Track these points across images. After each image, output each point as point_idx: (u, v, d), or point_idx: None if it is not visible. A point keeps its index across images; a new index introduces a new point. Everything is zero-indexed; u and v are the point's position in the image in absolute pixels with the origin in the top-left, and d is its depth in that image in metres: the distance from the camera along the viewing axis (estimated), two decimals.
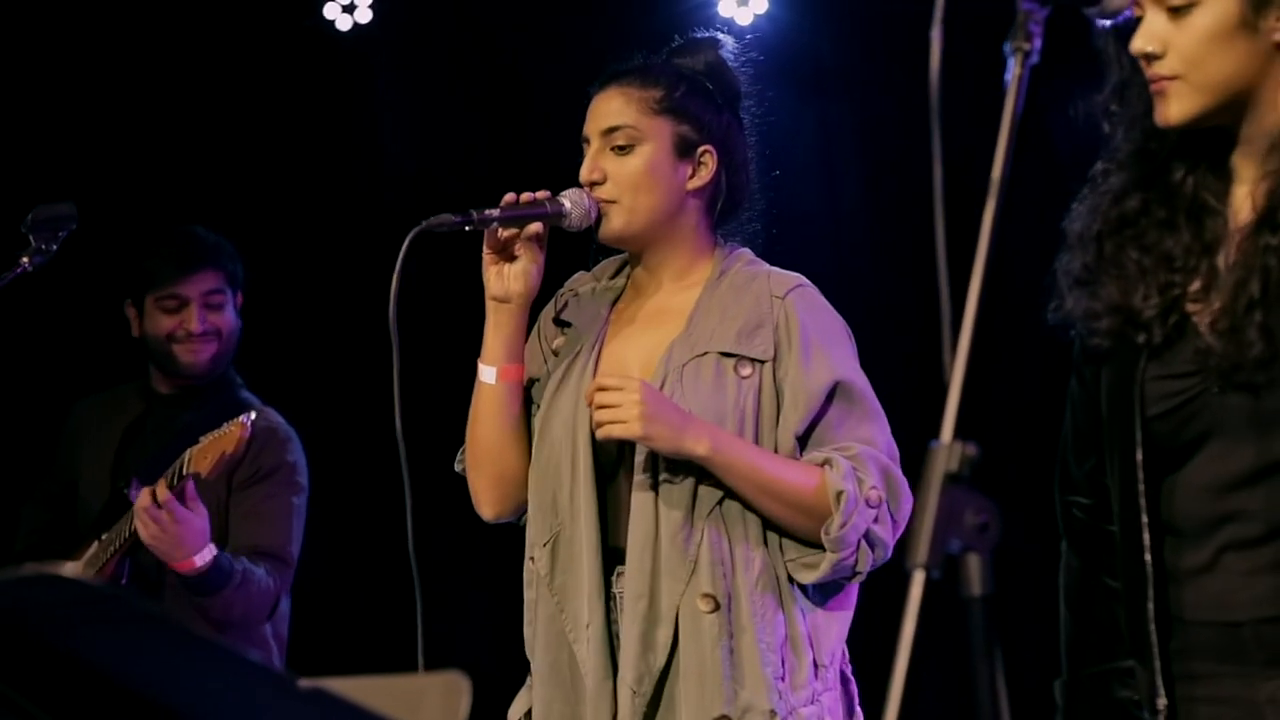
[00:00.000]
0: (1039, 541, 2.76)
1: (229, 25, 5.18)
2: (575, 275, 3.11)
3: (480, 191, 3.09)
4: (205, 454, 3.61)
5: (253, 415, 3.64)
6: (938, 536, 1.61)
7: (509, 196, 2.91)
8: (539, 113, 4.86)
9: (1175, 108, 2.19)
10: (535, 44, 5.15)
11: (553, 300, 3.08)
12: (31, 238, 3.21)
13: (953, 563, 1.63)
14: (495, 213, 2.89)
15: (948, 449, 1.63)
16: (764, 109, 3.10)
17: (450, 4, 5.30)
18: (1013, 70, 1.76)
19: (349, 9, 5.20)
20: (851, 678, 2.92)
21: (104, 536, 3.84)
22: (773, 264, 3.01)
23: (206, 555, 3.68)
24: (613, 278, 3.07)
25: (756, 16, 5.16)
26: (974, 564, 1.64)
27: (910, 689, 1.56)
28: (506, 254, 2.93)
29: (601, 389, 2.79)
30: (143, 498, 3.62)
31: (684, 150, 2.94)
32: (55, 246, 3.21)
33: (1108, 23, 2.22)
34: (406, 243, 2.81)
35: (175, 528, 3.62)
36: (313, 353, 5.05)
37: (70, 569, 3.94)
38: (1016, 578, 3.43)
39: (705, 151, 2.95)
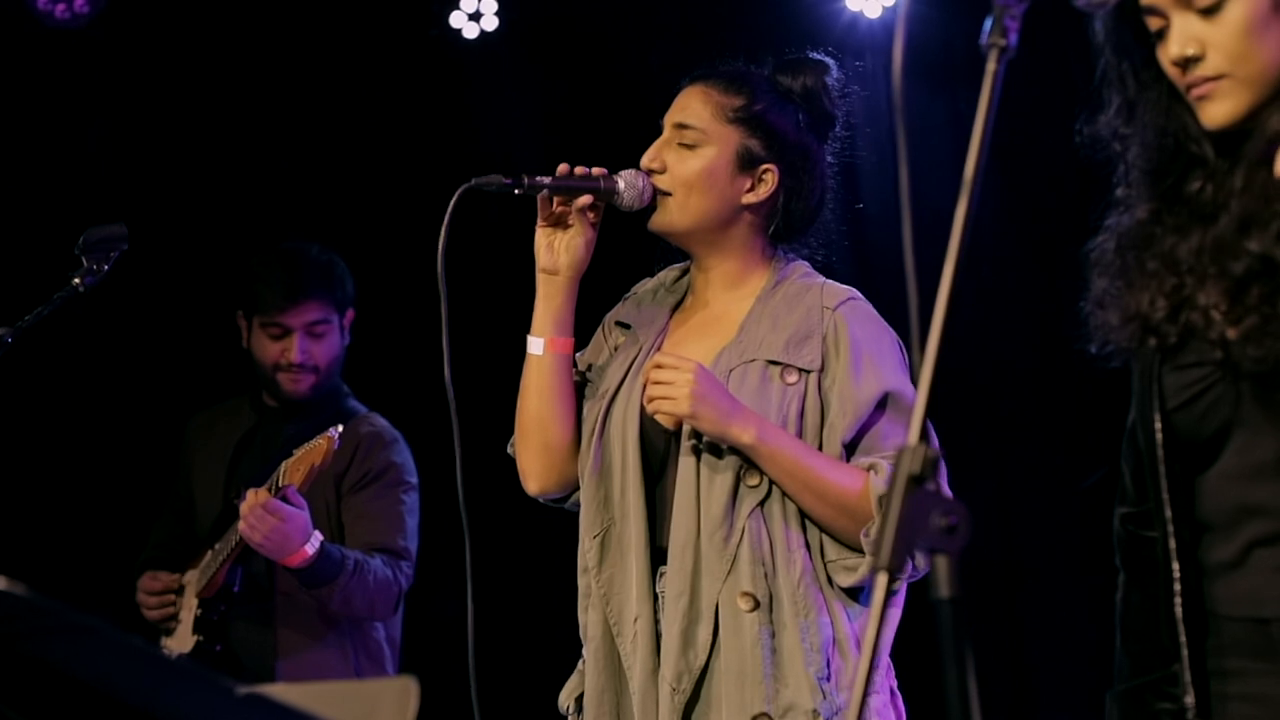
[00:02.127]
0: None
1: (357, 34, 5.26)
2: (641, 280, 3.13)
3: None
4: (297, 466, 3.69)
5: (339, 428, 3.70)
6: (901, 538, 1.61)
7: (563, 167, 2.95)
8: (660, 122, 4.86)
9: (1224, 108, 2.14)
10: (663, 49, 5.16)
11: (621, 301, 3.11)
12: (84, 259, 3.29)
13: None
14: (546, 180, 2.93)
15: (912, 451, 1.63)
16: (852, 143, 3.09)
17: (579, 9, 5.33)
18: (988, 66, 1.74)
19: (475, 17, 5.25)
20: (898, 693, 2.89)
21: (216, 546, 3.95)
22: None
23: (314, 543, 3.77)
24: (675, 283, 3.09)
25: (885, 9, 5.13)
26: (942, 566, 1.63)
27: (914, 691, 1.56)
28: (560, 226, 2.97)
29: (658, 366, 2.83)
30: (247, 503, 3.72)
31: (746, 163, 2.95)
32: (107, 267, 3.29)
33: (1095, 10, 2.17)
34: (455, 197, 2.87)
35: (283, 526, 3.71)
36: (430, 362, 5.12)
37: (189, 576, 4.06)
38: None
39: (767, 170, 2.96)
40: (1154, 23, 2.16)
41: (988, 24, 1.74)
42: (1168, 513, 2.17)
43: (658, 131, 3.01)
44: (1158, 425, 2.17)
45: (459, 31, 5.25)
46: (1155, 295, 2.16)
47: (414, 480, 4.11)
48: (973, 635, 1.62)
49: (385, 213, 5.19)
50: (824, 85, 3.03)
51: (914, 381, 1.60)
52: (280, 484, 3.71)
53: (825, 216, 3.04)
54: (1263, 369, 2.08)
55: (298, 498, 3.75)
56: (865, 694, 1.65)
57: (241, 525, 3.74)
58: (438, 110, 5.30)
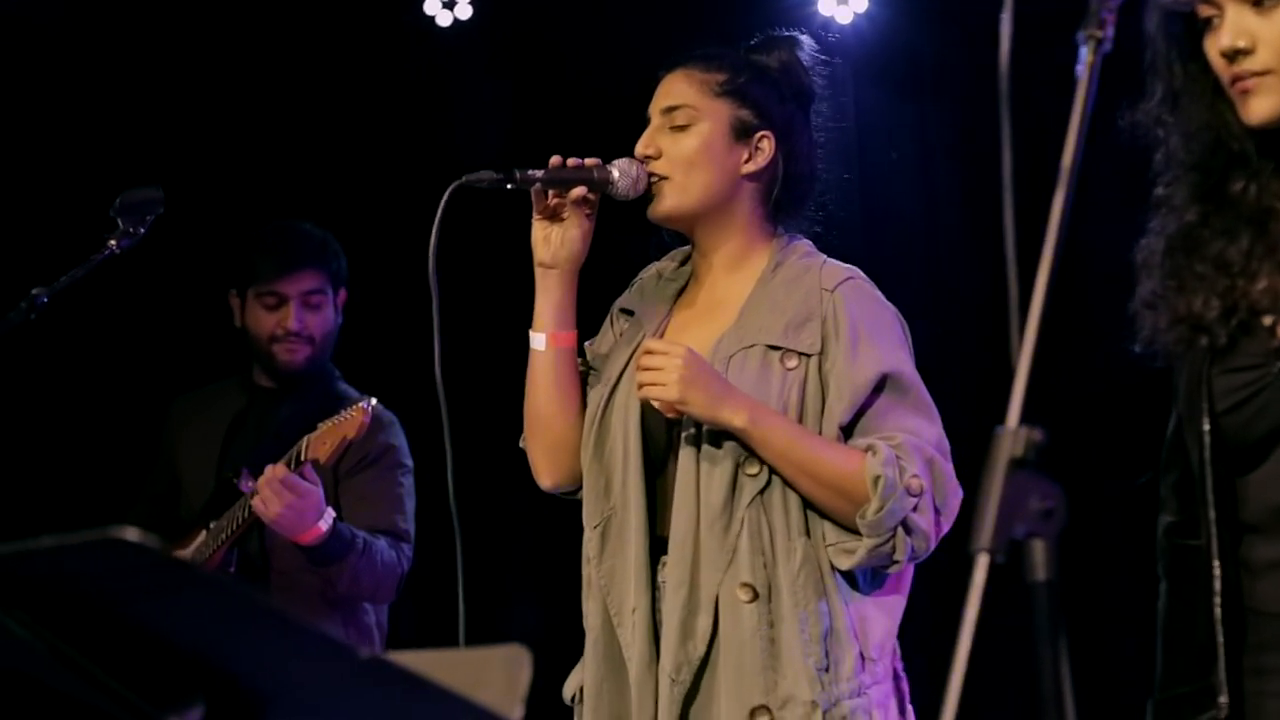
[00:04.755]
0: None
1: (330, 23, 5.23)
2: (647, 266, 3.12)
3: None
4: (324, 440, 3.66)
5: (373, 401, 3.70)
6: (1002, 521, 1.62)
7: (555, 159, 2.94)
8: (638, 113, 4.87)
9: (1266, 104, 2.16)
10: (634, 43, 5.16)
11: (628, 288, 3.11)
12: (119, 220, 3.25)
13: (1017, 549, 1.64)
14: (539, 173, 2.92)
15: (1013, 434, 1.63)
16: (841, 113, 3.11)
17: (550, 2, 5.32)
18: (1085, 58, 1.76)
19: (449, 4, 5.23)
20: (903, 675, 2.90)
21: (212, 525, 3.91)
22: (858, 260, 3.01)
23: (328, 519, 3.75)
24: (677, 269, 3.08)
25: (856, 15, 5.15)
26: (1039, 549, 1.64)
27: (972, 678, 1.57)
28: (556, 219, 2.96)
29: (648, 352, 2.82)
30: (265, 477, 3.68)
31: (741, 133, 2.95)
32: (143, 230, 3.26)
33: (1181, 7, 2.19)
34: (446, 196, 2.85)
35: (299, 502, 3.69)
36: (405, 345, 5.09)
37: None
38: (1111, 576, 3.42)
39: (763, 136, 2.96)
40: (1205, 10, 2.18)
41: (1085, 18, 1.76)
42: (1212, 514, 2.18)
43: (634, 119, 3.01)
44: (1206, 427, 2.19)
45: (432, 19, 5.24)
46: (1208, 295, 2.18)
47: (410, 463, 4.09)
48: (1066, 620, 1.63)
49: (362, 201, 5.16)
50: (799, 59, 3.05)
51: (1012, 365, 1.61)
52: (301, 459, 3.68)
53: (819, 187, 3.04)
54: None
55: (313, 474, 3.72)
56: (962, 681, 1.65)
57: (256, 500, 3.71)
58: (411, 100, 5.28)
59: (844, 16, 5.14)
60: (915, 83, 5.24)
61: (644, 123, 3.02)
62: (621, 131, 3.01)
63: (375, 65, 5.28)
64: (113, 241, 3.25)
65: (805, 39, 3.06)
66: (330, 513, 3.77)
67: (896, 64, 5.18)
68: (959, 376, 3.00)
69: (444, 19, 5.24)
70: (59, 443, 5.05)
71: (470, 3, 5.21)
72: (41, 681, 1.72)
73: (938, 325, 4.00)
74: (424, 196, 5.23)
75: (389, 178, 5.23)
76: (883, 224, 4.92)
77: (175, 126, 5.13)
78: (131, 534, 1.35)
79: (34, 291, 3.19)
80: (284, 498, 3.67)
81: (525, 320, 3.02)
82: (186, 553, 3.98)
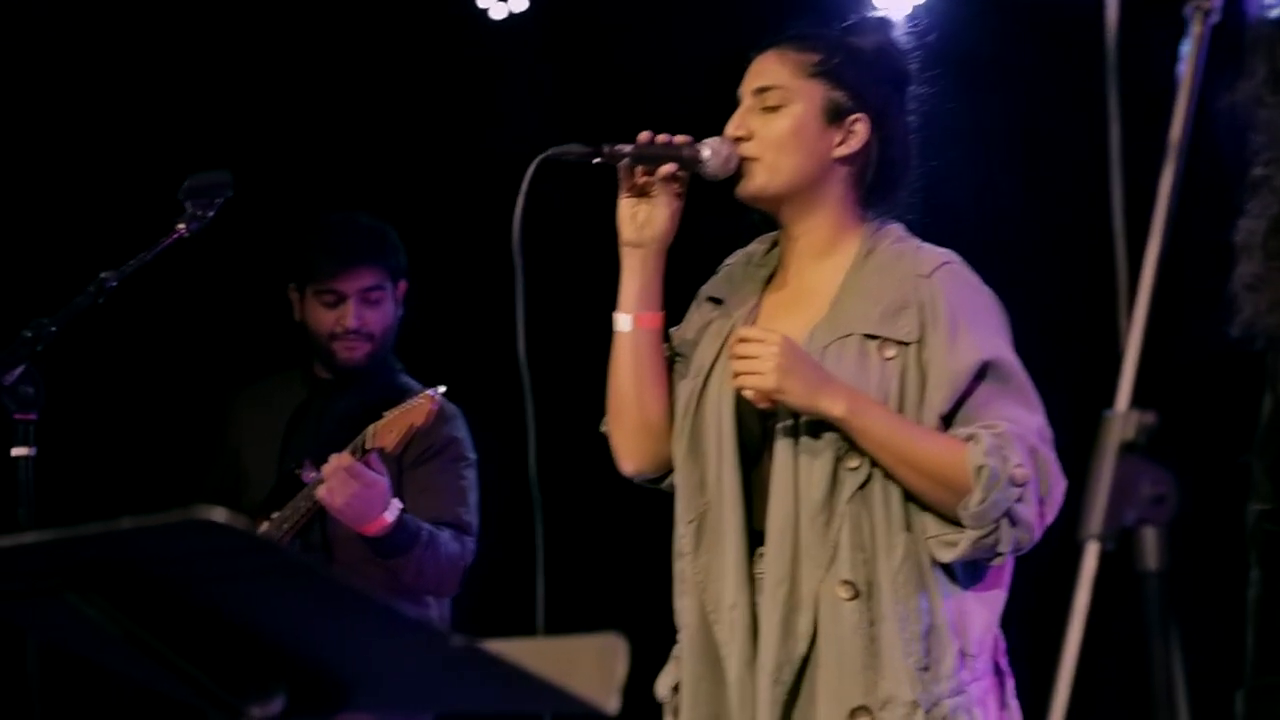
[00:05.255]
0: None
1: (385, 11, 5.20)
2: (734, 252, 3.06)
3: None
4: (390, 428, 3.62)
5: (441, 389, 3.64)
6: (1112, 507, 1.56)
7: (644, 135, 2.86)
8: (695, 105, 4.82)
9: None
10: (688, 35, 5.11)
11: (715, 274, 3.04)
12: (187, 204, 3.21)
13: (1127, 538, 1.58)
14: (627, 148, 2.84)
15: (1123, 417, 1.58)
16: (933, 98, 3.03)
17: None
18: (1193, 30, 1.70)
19: None
20: (1007, 670, 2.82)
21: (274, 516, 3.87)
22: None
23: (394, 511, 3.70)
24: (765, 255, 3.00)
25: (915, 6, 5.08)
26: (1150, 537, 1.58)
27: (1081, 670, 1.51)
28: (643, 197, 2.89)
29: (743, 340, 2.75)
30: (331, 465, 3.64)
31: (834, 115, 2.87)
32: (211, 214, 3.21)
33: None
34: (531, 169, 2.78)
35: (365, 491, 3.64)
36: (465, 336, 5.05)
37: None
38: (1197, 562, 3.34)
39: (856, 119, 2.88)
40: None
41: None
42: None
43: (690, 113, 2.94)
44: None
45: (485, 11, 5.19)
46: None
47: (473, 456, 4.03)
48: (1179, 611, 1.57)
49: (418, 194, 5.12)
50: (892, 41, 2.98)
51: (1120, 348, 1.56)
52: (366, 447, 3.64)
53: (913, 175, 2.96)
54: None
55: (379, 464, 3.67)
56: (1072, 673, 1.59)
57: (322, 489, 3.66)
58: (465, 92, 5.24)
59: (902, 7, 5.08)
60: (974, 76, 5.17)
61: (701, 115, 2.96)
62: (678, 124, 2.95)
63: (429, 57, 5.24)
64: (180, 225, 3.20)
65: (898, 22, 2.99)
66: (397, 504, 3.72)
67: (955, 56, 5.10)
68: (1054, 362, 2.92)
69: (498, 11, 5.19)
70: (121, 432, 5.01)
71: None
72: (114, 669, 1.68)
73: (1030, 309, 3.94)
74: (477, 189, 5.22)
75: (444, 170, 5.19)
76: (969, 210, 4.85)
77: (236, 118, 5.10)
78: (219, 514, 1.30)
79: (102, 275, 3.15)
80: (350, 486, 3.63)
81: (609, 301, 2.95)
82: None
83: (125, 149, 4.97)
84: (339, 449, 3.68)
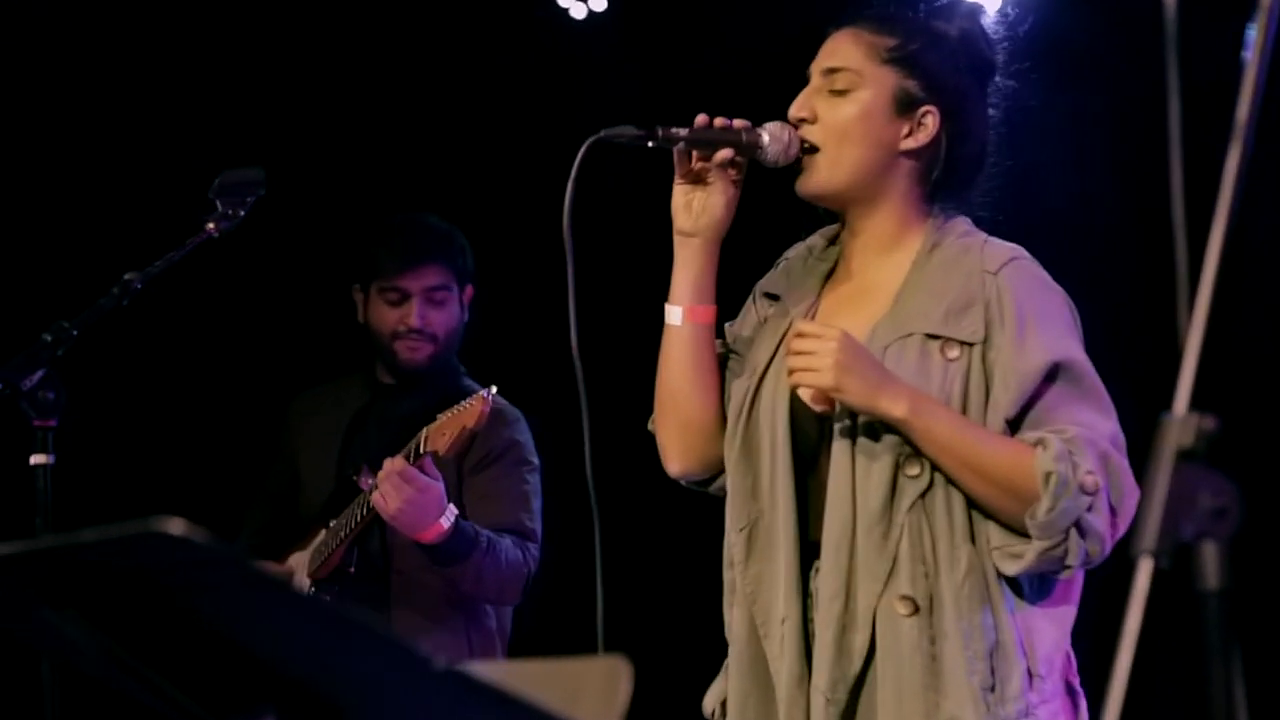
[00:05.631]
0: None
1: (464, 11, 5.15)
2: (794, 245, 2.93)
3: None
4: (443, 431, 3.53)
5: (494, 389, 3.56)
6: (1168, 520, 1.43)
7: (701, 118, 2.72)
8: (777, 99, 4.73)
9: None
10: (770, 35, 5.01)
11: (772, 269, 2.91)
12: (218, 202, 3.13)
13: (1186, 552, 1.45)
14: (683, 132, 2.70)
15: (1182, 422, 1.45)
16: (1019, 93, 2.89)
17: None
18: (1262, 1, 1.57)
19: None
20: (1080, 690, 2.67)
21: (332, 523, 3.81)
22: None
23: (449, 517, 3.62)
24: (825, 249, 2.88)
25: None
26: (1210, 553, 1.45)
27: (1136, 693, 1.40)
28: (699, 184, 2.76)
29: (801, 335, 2.62)
30: (385, 471, 3.57)
31: (904, 106, 2.73)
32: (243, 212, 3.13)
33: None
34: (583, 151, 2.66)
35: (419, 497, 3.56)
36: (535, 341, 4.98)
37: (296, 558, 3.90)
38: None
39: (927, 112, 2.73)
40: None
41: None
42: None
43: (767, 113, 2.82)
44: None
45: (565, 11, 5.12)
46: None
47: (536, 461, 3.96)
48: (1242, 634, 1.44)
49: (493, 197, 5.06)
50: (981, 29, 2.83)
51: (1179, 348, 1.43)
52: (422, 450, 3.55)
53: (987, 173, 2.81)
54: None
55: (434, 469, 3.59)
56: (1122, 697, 1.46)
57: (375, 496, 3.59)
58: (544, 93, 5.17)
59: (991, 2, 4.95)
60: (1065, 68, 5.03)
61: (782, 111, 2.83)
62: (758, 119, 2.82)
63: (508, 58, 5.19)
64: (211, 224, 3.12)
65: (988, 8, 2.84)
66: (452, 510, 3.63)
67: (1046, 48, 4.96)
68: (1119, 361, 2.76)
69: (578, 11, 5.12)
70: (180, 439, 4.98)
71: None
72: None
73: (1096, 306, 3.81)
74: (556, 193, 5.13)
75: (521, 172, 5.11)
76: (1033, 206, 4.73)
77: (308, 117, 5.07)
78: (175, 526, 1.21)
79: (127, 276, 3.06)
80: (404, 492, 3.54)
81: (661, 292, 2.83)
82: (306, 553, 3.88)
83: (171, 148, 4.92)
84: (397, 453, 3.61)
